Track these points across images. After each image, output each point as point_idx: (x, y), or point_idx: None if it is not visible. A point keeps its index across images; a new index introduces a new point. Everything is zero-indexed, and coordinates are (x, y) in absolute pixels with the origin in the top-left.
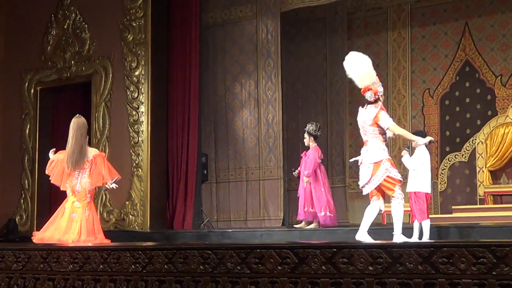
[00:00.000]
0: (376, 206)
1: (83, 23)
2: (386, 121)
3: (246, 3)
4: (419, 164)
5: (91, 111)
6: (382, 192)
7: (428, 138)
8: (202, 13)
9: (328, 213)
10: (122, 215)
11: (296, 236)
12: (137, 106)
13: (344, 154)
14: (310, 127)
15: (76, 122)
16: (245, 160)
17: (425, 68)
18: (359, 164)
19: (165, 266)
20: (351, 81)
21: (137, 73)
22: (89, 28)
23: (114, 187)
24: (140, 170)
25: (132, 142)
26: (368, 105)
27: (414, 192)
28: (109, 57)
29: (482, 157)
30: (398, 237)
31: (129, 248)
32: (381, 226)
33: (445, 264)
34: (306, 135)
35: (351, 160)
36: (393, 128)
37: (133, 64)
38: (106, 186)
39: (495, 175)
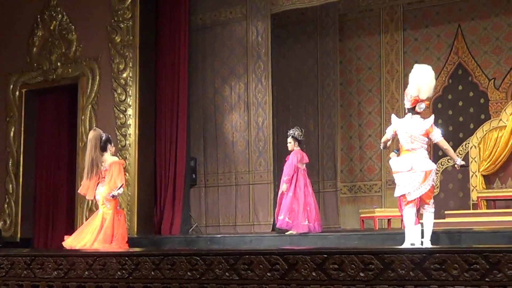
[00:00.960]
0: (413, 212)
1: (70, 24)
2: (438, 134)
3: (236, 5)
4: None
5: (77, 114)
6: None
7: (462, 162)
8: (191, 15)
9: (287, 218)
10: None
11: (287, 242)
12: (124, 109)
13: (335, 158)
14: (296, 131)
15: (89, 135)
16: (234, 164)
17: None
18: (400, 170)
19: (152, 273)
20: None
21: (124, 75)
22: (76, 29)
23: (116, 194)
24: (127, 174)
25: (119, 145)
26: (414, 115)
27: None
28: (96, 59)
29: (475, 161)
30: (427, 243)
31: (115, 254)
32: (373, 232)
33: (437, 270)
34: (291, 140)
35: (391, 156)
36: (442, 142)
37: (120, 66)
38: (113, 193)
39: (489, 179)
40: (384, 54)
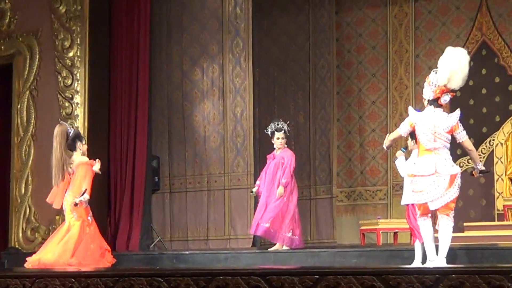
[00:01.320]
0: (430, 224)
1: None
2: (463, 133)
3: None
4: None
5: (12, 101)
6: None
7: (482, 167)
8: None
9: (267, 225)
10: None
11: (270, 260)
12: (70, 96)
13: (331, 158)
14: (285, 126)
15: (54, 131)
16: (206, 165)
17: (432, 51)
18: (422, 173)
19: None
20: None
21: (71, 54)
22: None
23: (78, 202)
24: None
25: None
26: (436, 108)
27: (413, 205)
28: (36, 34)
29: (501, 162)
30: (442, 261)
31: (59, 275)
32: (376, 248)
33: None
34: (283, 135)
35: (397, 155)
36: (467, 143)
37: (66, 43)
38: (75, 200)
39: None
40: (392, 31)
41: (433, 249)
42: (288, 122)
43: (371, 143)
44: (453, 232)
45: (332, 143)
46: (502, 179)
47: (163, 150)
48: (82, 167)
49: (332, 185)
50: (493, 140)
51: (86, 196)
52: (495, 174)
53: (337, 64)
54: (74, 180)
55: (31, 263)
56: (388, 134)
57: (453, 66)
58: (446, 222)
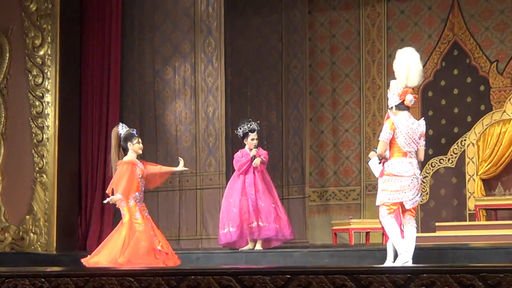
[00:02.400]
0: (396, 223)
1: None
2: (424, 142)
3: None
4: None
5: None
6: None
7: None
8: None
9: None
10: (21, 233)
11: (242, 260)
12: (41, 94)
13: (303, 158)
14: (256, 126)
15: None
16: (178, 165)
17: None
18: (402, 173)
19: None
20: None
21: (41, 52)
22: None
23: (109, 201)
24: (44, 175)
25: (35, 140)
26: (407, 112)
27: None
28: (6, 32)
29: (473, 162)
30: (409, 263)
31: (29, 274)
32: (348, 248)
33: None
34: (256, 135)
35: (371, 156)
36: (423, 152)
37: (36, 42)
38: (107, 199)
39: (489, 184)
40: (364, 31)
41: (402, 243)
42: (258, 121)
43: (345, 143)
44: (425, 232)
45: (305, 143)
46: (474, 179)
47: None
48: (121, 166)
49: (304, 185)
50: (465, 140)
51: (116, 196)
52: (466, 174)
53: (309, 64)
54: (112, 179)
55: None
56: (372, 151)
57: (407, 62)
58: (412, 224)
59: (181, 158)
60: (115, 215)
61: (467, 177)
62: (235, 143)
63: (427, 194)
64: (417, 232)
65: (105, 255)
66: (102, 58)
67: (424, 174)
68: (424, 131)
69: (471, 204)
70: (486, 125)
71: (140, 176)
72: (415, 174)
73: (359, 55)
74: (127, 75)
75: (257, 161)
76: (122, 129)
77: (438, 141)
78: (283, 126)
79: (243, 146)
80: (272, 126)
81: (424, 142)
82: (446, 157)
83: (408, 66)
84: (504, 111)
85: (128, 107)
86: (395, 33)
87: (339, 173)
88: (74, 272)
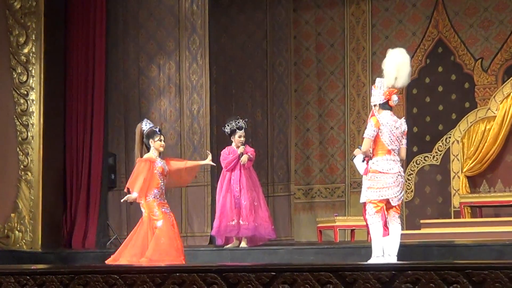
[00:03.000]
0: (381, 221)
1: None
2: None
3: None
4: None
5: None
6: None
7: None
8: None
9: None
10: (6, 231)
11: (227, 258)
12: (26, 92)
13: (288, 156)
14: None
15: None
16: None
17: (388, 48)
18: (387, 170)
19: None
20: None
21: (26, 50)
22: None
23: (125, 199)
24: (29, 173)
25: (20, 138)
26: (390, 111)
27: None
28: None
29: (457, 159)
30: (394, 259)
31: (14, 272)
32: (333, 245)
33: None
34: (244, 133)
35: (355, 153)
36: (405, 151)
37: (21, 39)
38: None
39: (474, 182)
40: (349, 28)
41: (381, 246)
42: (246, 120)
43: (330, 141)
44: (410, 229)
45: (290, 141)
46: (459, 177)
47: (119, 148)
48: (138, 164)
49: (289, 182)
50: (449, 137)
51: (132, 195)
52: (451, 172)
53: (294, 62)
54: (130, 177)
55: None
56: (357, 149)
57: (398, 63)
58: (397, 221)
59: (209, 152)
60: (101, 213)
61: (452, 174)
62: (220, 141)
63: (412, 191)
64: (402, 230)
65: (126, 255)
66: (87, 56)
67: (409, 172)
68: (406, 129)
69: (456, 201)
70: (470, 122)
71: (159, 173)
72: (399, 172)
73: (344, 53)
74: (112, 73)
75: (244, 158)
76: (145, 125)
77: (422, 138)
78: (268, 124)
79: (228, 143)
80: (257, 124)
81: (405, 141)
82: (430, 155)
83: (398, 67)
84: (489, 109)
85: (113, 105)
86: (380, 30)
87: (325, 170)
88: (59, 270)
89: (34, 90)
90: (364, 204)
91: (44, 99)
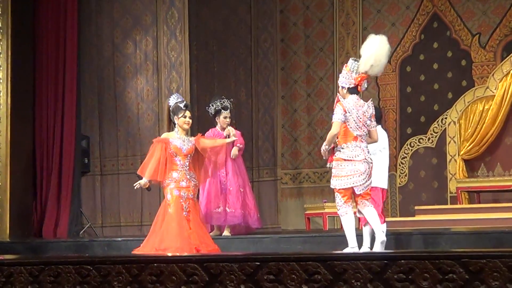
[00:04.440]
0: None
1: None
2: (374, 123)
3: None
4: (377, 149)
5: None
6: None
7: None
8: None
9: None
10: None
11: None
12: None
13: (274, 138)
14: (229, 103)
15: None
16: (140, 145)
17: (380, 23)
18: (352, 157)
19: (29, 287)
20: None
21: None
22: None
23: (137, 185)
24: None
25: None
26: (356, 95)
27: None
28: None
29: (454, 141)
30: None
31: None
32: (322, 233)
33: (402, 281)
34: (229, 113)
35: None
36: (375, 133)
37: None
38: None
39: (471, 165)
40: (338, 1)
41: (354, 236)
42: (231, 99)
43: (319, 123)
44: (404, 216)
45: (276, 122)
46: (455, 160)
47: (93, 129)
48: (152, 146)
49: (276, 166)
50: (446, 118)
51: (142, 181)
52: (447, 155)
53: (281, 38)
54: None
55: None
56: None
57: (377, 52)
58: (367, 205)
59: (232, 128)
60: (73, 200)
61: (448, 157)
62: (201, 122)
63: (406, 176)
64: (396, 216)
65: (148, 244)
66: (58, 31)
67: (403, 155)
68: (374, 112)
69: (452, 186)
70: (468, 102)
71: (175, 153)
72: (365, 158)
73: (333, 28)
74: (85, 50)
75: (235, 151)
76: (172, 100)
77: (417, 119)
78: (253, 104)
79: (211, 125)
80: (241, 104)
81: (375, 123)
82: (425, 137)
83: (376, 56)
84: (487, 87)
85: (86, 84)
86: (371, 4)
87: (314, 154)
88: (28, 260)
89: (1, 68)
90: (334, 194)
91: (12, 78)
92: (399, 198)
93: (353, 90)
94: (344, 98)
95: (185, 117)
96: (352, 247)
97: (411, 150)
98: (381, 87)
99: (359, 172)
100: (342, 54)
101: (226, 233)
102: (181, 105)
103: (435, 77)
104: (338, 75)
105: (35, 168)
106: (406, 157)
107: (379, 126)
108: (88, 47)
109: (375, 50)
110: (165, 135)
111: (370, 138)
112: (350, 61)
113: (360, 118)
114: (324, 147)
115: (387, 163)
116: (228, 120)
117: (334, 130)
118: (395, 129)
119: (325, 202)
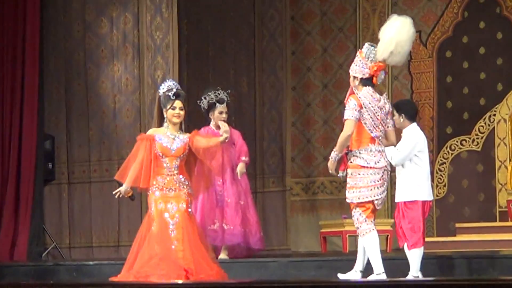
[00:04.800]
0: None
1: None
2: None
3: None
4: (412, 153)
5: None
6: None
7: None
8: None
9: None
10: None
11: None
12: None
13: (283, 138)
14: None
15: None
16: (117, 147)
17: None
18: (373, 164)
19: None
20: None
21: None
22: None
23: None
24: None
25: None
26: (371, 87)
27: (404, 203)
28: None
29: (504, 144)
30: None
31: None
32: (341, 256)
33: None
34: (226, 108)
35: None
36: (393, 132)
37: None
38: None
39: None
40: None
41: (380, 260)
42: (229, 91)
43: (338, 120)
44: (442, 236)
45: (285, 119)
46: (506, 167)
47: (59, 128)
48: (135, 145)
49: (284, 174)
50: (494, 115)
51: (122, 188)
52: (496, 160)
53: (291, 15)
54: None
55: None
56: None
57: (399, 37)
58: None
59: (224, 123)
60: (34, 214)
61: (497, 163)
62: (192, 119)
63: (444, 186)
64: (432, 236)
65: (127, 269)
66: (16, 8)
67: (441, 160)
68: (390, 109)
69: (502, 199)
70: None
71: (161, 154)
72: (386, 166)
73: (355, 3)
74: (49, 30)
75: (241, 169)
76: (162, 88)
77: (459, 116)
78: (256, 97)
79: (204, 123)
80: (242, 97)
81: (392, 122)
82: (469, 138)
83: (398, 42)
84: None
85: (50, 72)
86: None
87: None
88: None
89: None
90: (351, 208)
91: None
92: (437, 214)
93: (367, 82)
94: (358, 90)
95: (174, 108)
96: (377, 274)
97: (452, 154)
98: (414, 76)
99: (380, 183)
100: (367, 35)
101: (222, 255)
102: (170, 93)
103: (481, 65)
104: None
105: None
106: (445, 163)
107: (414, 124)
108: (53, 26)
109: (396, 35)
110: (151, 131)
111: (387, 140)
112: (366, 45)
113: (378, 114)
114: (334, 154)
115: (427, 169)
116: (224, 116)
117: (347, 130)
118: (432, 128)
119: (345, 218)
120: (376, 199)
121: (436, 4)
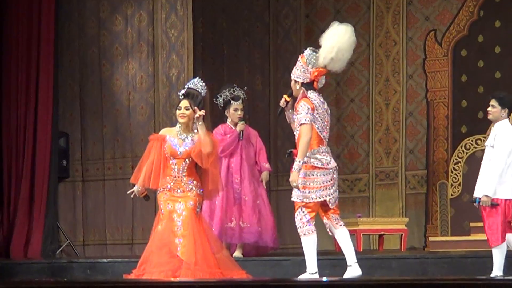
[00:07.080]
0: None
1: None
2: None
3: None
4: (503, 151)
5: None
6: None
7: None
8: None
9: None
10: None
11: None
12: None
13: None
14: (242, 93)
15: None
16: (131, 145)
17: None
18: (325, 165)
19: None
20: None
21: None
22: None
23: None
24: None
25: None
26: (315, 91)
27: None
28: None
29: None
30: (357, 269)
31: None
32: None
33: None
34: (241, 105)
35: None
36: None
37: None
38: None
39: None
40: None
41: (315, 261)
42: (245, 88)
43: (350, 118)
44: (455, 235)
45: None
46: None
47: (73, 125)
48: (148, 145)
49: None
50: (510, 114)
51: (135, 188)
52: None
53: (306, 14)
54: None
55: None
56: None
57: (340, 45)
58: (341, 223)
59: (196, 108)
60: (49, 212)
61: None
62: (206, 117)
63: (459, 185)
64: (446, 235)
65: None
66: (30, 5)
67: (456, 159)
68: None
69: None
70: None
71: (170, 155)
72: (336, 166)
73: (369, 1)
74: (64, 28)
75: (266, 177)
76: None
77: (474, 115)
78: (270, 95)
79: (219, 120)
80: (256, 95)
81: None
82: (484, 137)
83: (339, 49)
84: None
85: (65, 69)
86: None
87: (343, 156)
88: None
89: None
90: (296, 207)
91: None
92: (451, 213)
93: (308, 86)
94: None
95: (179, 108)
96: (311, 273)
97: (466, 153)
98: (429, 75)
99: (331, 182)
100: (380, 33)
101: (237, 253)
102: (180, 93)
103: (497, 63)
104: (375, 60)
105: (1, 173)
106: (459, 162)
107: (506, 120)
108: (68, 24)
109: (338, 42)
110: (164, 131)
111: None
112: (308, 51)
113: (325, 117)
114: (297, 163)
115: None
116: (239, 113)
117: (306, 135)
118: (447, 127)
119: (359, 216)
120: (329, 198)
121: (451, 3)
